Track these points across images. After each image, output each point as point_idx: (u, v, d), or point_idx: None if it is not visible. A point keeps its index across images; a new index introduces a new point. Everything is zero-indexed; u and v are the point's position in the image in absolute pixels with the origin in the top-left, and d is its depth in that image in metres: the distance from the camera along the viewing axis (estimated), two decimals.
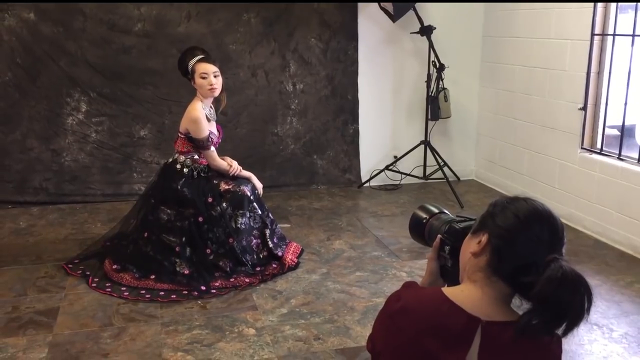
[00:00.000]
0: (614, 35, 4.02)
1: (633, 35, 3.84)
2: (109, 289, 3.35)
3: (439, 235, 1.49)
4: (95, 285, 3.40)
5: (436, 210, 1.58)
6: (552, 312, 1.16)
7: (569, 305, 1.16)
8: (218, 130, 3.68)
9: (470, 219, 1.44)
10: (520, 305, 1.27)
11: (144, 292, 3.32)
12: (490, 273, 1.27)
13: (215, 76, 3.49)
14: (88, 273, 3.53)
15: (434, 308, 1.25)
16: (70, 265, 3.63)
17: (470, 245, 1.32)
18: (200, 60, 3.49)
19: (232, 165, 3.65)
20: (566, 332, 1.19)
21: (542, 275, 1.17)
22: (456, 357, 1.21)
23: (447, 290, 1.30)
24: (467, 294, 1.28)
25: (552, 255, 1.21)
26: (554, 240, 1.25)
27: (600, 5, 4.02)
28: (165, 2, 4.81)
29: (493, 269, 1.26)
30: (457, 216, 1.53)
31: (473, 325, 1.22)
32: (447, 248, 1.46)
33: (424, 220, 1.57)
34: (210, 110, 3.60)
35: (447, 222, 1.50)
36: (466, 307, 1.24)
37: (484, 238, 1.29)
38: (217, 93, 3.54)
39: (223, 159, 3.66)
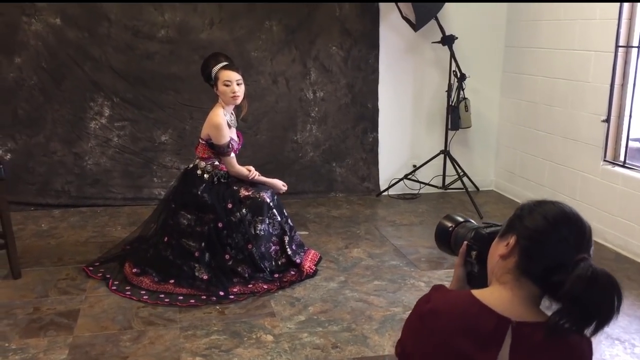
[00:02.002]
0: (639, 47, 3.98)
1: None
2: (129, 292, 3.38)
3: (465, 242, 1.50)
4: (115, 288, 3.43)
5: (462, 219, 1.60)
6: (581, 311, 1.17)
7: (599, 304, 1.17)
8: (238, 137, 3.70)
9: (497, 225, 1.45)
10: (549, 307, 1.27)
11: (163, 296, 3.35)
12: (519, 274, 1.28)
13: (238, 84, 3.52)
14: (108, 276, 3.56)
15: (463, 309, 1.26)
16: (91, 268, 3.67)
17: (499, 248, 1.33)
18: (224, 67, 3.52)
19: (250, 170, 3.68)
20: (595, 331, 1.20)
21: (572, 274, 1.18)
22: (487, 358, 1.22)
23: (477, 293, 1.30)
24: (496, 296, 1.28)
25: (581, 255, 1.22)
26: (582, 242, 1.25)
27: (625, 17, 3.99)
28: (188, 2, 4.84)
29: (522, 270, 1.27)
30: (483, 223, 1.54)
31: (503, 326, 1.23)
32: (473, 253, 1.47)
33: (450, 229, 1.59)
34: (231, 117, 3.63)
35: (474, 229, 1.51)
36: (496, 308, 1.25)
37: (512, 240, 1.30)
38: (239, 101, 3.56)
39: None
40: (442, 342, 1.25)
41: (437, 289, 1.35)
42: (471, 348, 1.23)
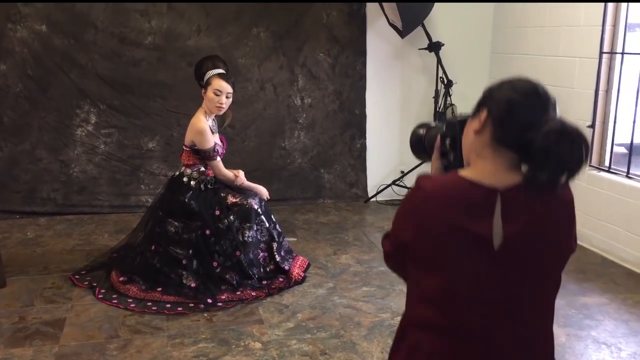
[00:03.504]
0: (622, 53, 4.03)
1: None
2: (116, 301, 3.36)
3: (439, 134, 1.56)
4: (101, 296, 3.40)
5: (432, 124, 1.69)
6: (555, 161, 1.26)
7: (571, 152, 1.26)
8: (222, 142, 3.69)
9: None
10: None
11: (150, 304, 3.32)
12: (496, 145, 1.35)
13: (227, 97, 3.51)
14: (95, 284, 3.53)
15: (453, 187, 1.34)
16: (77, 276, 3.64)
17: (472, 126, 1.40)
18: (219, 76, 3.51)
19: (238, 175, 3.67)
20: (568, 179, 1.29)
21: (543, 129, 1.27)
22: (483, 226, 1.30)
23: (462, 172, 1.38)
24: (480, 171, 1.36)
25: (549, 116, 1.32)
26: (548, 106, 1.34)
27: (608, 23, 4.03)
28: (180, 1, 4.83)
29: (498, 140, 1.35)
30: None
31: (492, 196, 1.32)
32: (447, 141, 1.53)
33: (422, 132, 1.67)
34: (213, 123, 3.62)
35: (444, 122, 1.58)
36: (482, 181, 1.33)
37: (483, 114, 1.37)
38: (221, 112, 3.56)
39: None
40: (437, 221, 1.32)
41: (424, 177, 1.40)
42: (467, 220, 1.30)
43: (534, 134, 1.27)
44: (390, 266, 1.53)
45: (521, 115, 1.32)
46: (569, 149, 1.26)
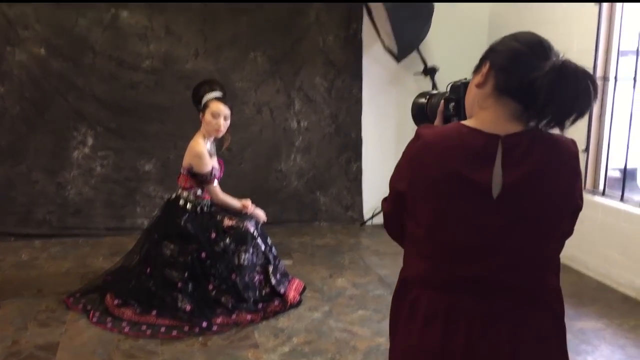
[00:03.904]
0: (615, 78, 4.07)
1: (634, 79, 3.90)
2: (110, 324, 3.33)
3: (443, 99, 1.55)
4: (96, 320, 3.38)
5: (434, 92, 1.67)
6: (558, 101, 1.22)
7: (574, 91, 1.22)
8: (220, 165, 3.71)
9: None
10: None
11: (145, 327, 3.30)
12: (498, 94, 1.32)
13: (225, 119, 3.54)
14: (89, 307, 3.51)
15: (454, 134, 1.31)
16: (72, 299, 3.62)
17: (474, 81, 1.38)
18: (216, 99, 3.54)
19: (246, 205, 3.69)
20: (574, 121, 1.26)
21: (545, 69, 1.24)
22: (483, 175, 1.27)
23: (464, 122, 1.35)
24: (482, 120, 1.33)
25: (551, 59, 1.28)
26: (551, 54, 1.31)
27: (601, 49, 4.09)
28: (172, 1, 4.87)
29: (500, 89, 1.32)
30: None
31: (493, 142, 1.28)
32: (451, 105, 1.52)
33: (424, 100, 1.66)
34: (211, 146, 3.64)
35: (448, 86, 1.57)
36: (483, 128, 1.31)
37: (486, 67, 1.35)
38: (220, 135, 3.59)
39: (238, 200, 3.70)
40: (437, 169, 1.29)
41: (425, 127, 1.38)
42: (466, 168, 1.27)
43: (535, 74, 1.24)
44: (389, 228, 1.50)
45: (523, 62, 1.29)
46: (573, 86, 1.22)
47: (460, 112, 1.48)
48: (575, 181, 1.33)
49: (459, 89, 1.50)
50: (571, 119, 1.25)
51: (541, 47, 1.31)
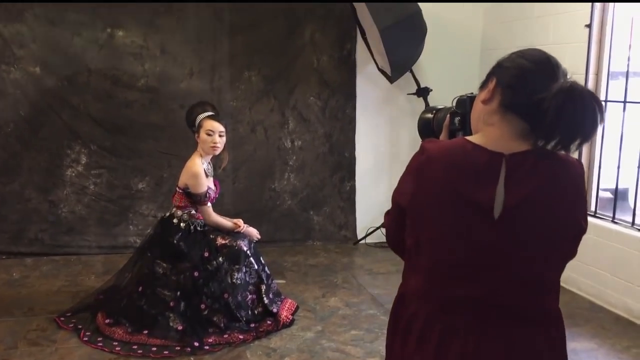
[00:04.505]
0: (605, 101, 4.12)
1: (624, 102, 3.95)
2: (101, 344, 3.31)
3: (449, 113, 1.55)
4: (87, 339, 3.35)
5: (439, 106, 1.69)
6: (565, 123, 1.20)
7: (581, 114, 1.20)
8: (215, 185, 3.71)
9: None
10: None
11: (136, 347, 3.28)
12: (504, 112, 1.31)
13: (220, 135, 3.56)
14: (80, 327, 3.48)
15: (458, 150, 1.31)
16: (62, 318, 3.59)
17: (480, 97, 1.37)
18: (209, 117, 3.56)
19: (238, 224, 3.69)
20: (580, 145, 1.26)
21: (552, 90, 1.22)
22: (484, 194, 1.25)
23: (468, 138, 1.34)
24: (487, 137, 1.32)
25: (560, 81, 1.26)
26: (559, 73, 1.29)
27: (592, 71, 4.15)
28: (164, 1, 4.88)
29: (506, 106, 1.31)
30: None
31: (497, 160, 1.27)
32: (457, 120, 1.53)
33: (430, 115, 1.68)
34: (208, 166, 3.65)
35: (454, 101, 1.58)
36: (488, 146, 1.30)
37: (492, 83, 1.33)
38: (217, 152, 3.60)
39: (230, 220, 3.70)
40: (439, 185, 1.28)
41: (429, 141, 1.37)
42: (468, 187, 1.26)
43: (543, 95, 1.22)
44: (390, 241, 1.49)
45: (531, 80, 1.27)
46: (580, 110, 1.20)
47: (465, 127, 1.48)
48: (579, 203, 1.32)
49: (464, 103, 1.51)
50: (576, 142, 1.25)
51: (549, 65, 1.30)
